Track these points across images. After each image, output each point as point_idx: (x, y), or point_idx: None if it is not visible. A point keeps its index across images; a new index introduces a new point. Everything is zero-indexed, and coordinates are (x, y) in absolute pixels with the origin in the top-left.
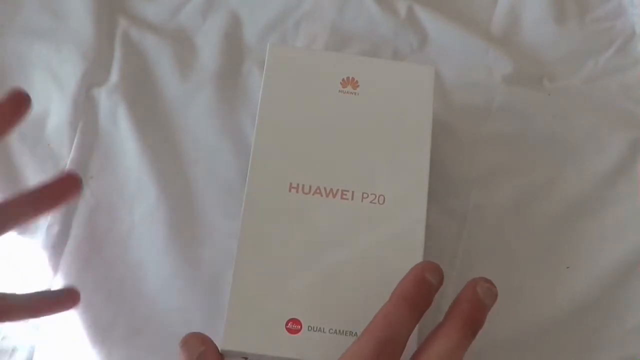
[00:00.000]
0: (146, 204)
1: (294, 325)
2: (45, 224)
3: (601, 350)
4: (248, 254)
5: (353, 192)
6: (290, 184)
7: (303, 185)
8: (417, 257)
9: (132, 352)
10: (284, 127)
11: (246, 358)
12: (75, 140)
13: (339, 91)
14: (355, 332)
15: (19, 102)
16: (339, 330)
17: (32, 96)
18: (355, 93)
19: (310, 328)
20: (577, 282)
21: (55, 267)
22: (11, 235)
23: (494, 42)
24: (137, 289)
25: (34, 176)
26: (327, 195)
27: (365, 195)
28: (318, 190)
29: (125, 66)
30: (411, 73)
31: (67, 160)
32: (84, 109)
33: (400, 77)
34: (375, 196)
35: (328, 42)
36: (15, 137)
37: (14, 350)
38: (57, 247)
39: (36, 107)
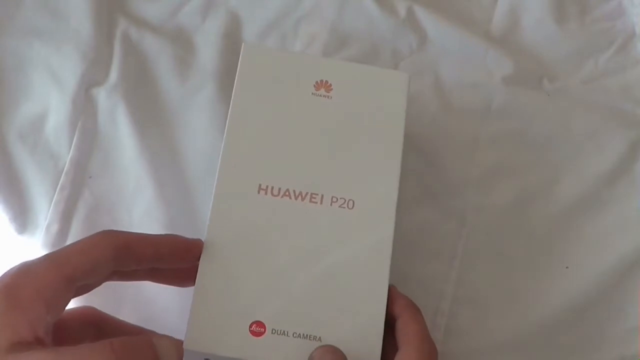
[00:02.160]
0: (145, 204)
1: (257, 328)
2: (45, 223)
3: (601, 350)
4: (214, 254)
5: (322, 195)
6: (260, 185)
7: (272, 188)
8: (384, 263)
9: None
10: (255, 128)
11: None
12: (75, 139)
13: (312, 94)
14: (319, 337)
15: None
16: (303, 335)
17: (31, 96)
18: (328, 96)
19: (274, 331)
20: (576, 282)
21: None
22: (11, 235)
23: (494, 43)
24: (136, 288)
25: (34, 176)
26: (296, 198)
27: (334, 199)
28: (287, 193)
29: (125, 66)
30: (386, 79)
31: (66, 160)
32: (84, 109)
33: (375, 83)
34: (345, 200)
35: (327, 42)
36: (15, 137)
37: None
38: (57, 247)
39: (35, 107)
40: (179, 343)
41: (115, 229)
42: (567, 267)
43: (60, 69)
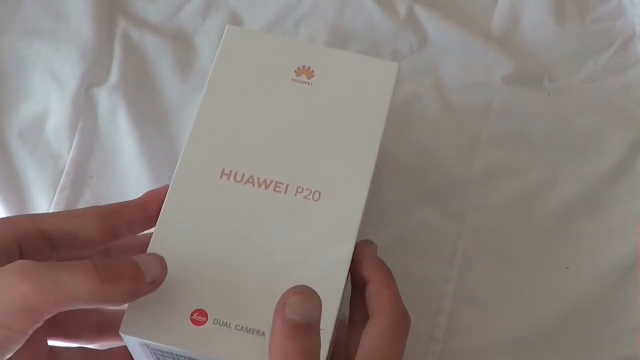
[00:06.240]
0: None
1: (199, 317)
2: None
3: (601, 350)
4: (165, 235)
5: (287, 185)
6: (223, 170)
7: (236, 173)
8: (343, 262)
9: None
10: (227, 111)
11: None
12: (75, 140)
13: (292, 80)
14: (263, 332)
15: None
16: (246, 328)
17: (31, 96)
18: (308, 83)
19: (216, 321)
20: (577, 282)
21: None
22: None
23: (494, 43)
24: None
25: (34, 176)
26: (259, 186)
27: (299, 190)
28: (251, 180)
29: (125, 66)
30: (373, 68)
31: (67, 160)
32: (84, 109)
33: (361, 71)
34: (311, 192)
35: (327, 42)
36: (15, 138)
37: None
38: None
39: (36, 107)
40: (162, 258)
41: None
42: (567, 267)
43: (60, 69)
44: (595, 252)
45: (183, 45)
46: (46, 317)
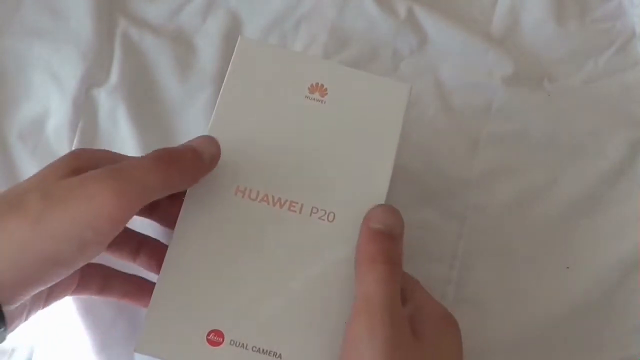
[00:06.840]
0: None
1: (215, 337)
2: None
3: (601, 351)
4: (180, 253)
5: (302, 205)
6: (238, 187)
7: (250, 190)
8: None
9: (132, 352)
10: (240, 127)
11: None
12: (75, 140)
13: (305, 97)
14: (280, 354)
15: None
16: (262, 350)
17: (32, 96)
18: (322, 101)
19: (232, 342)
20: (577, 282)
21: None
22: None
23: (494, 43)
24: None
25: None
26: (273, 205)
27: (314, 210)
28: (265, 198)
29: (125, 66)
30: (386, 88)
31: None
32: (84, 109)
33: (373, 91)
34: (325, 212)
35: (327, 43)
36: (15, 138)
37: (13, 350)
38: None
39: (36, 107)
40: (214, 138)
41: None
42: (567, 267)
43: (60, 69)
44: (595, 252)
45: (183, 45)
46: (129, 219)
